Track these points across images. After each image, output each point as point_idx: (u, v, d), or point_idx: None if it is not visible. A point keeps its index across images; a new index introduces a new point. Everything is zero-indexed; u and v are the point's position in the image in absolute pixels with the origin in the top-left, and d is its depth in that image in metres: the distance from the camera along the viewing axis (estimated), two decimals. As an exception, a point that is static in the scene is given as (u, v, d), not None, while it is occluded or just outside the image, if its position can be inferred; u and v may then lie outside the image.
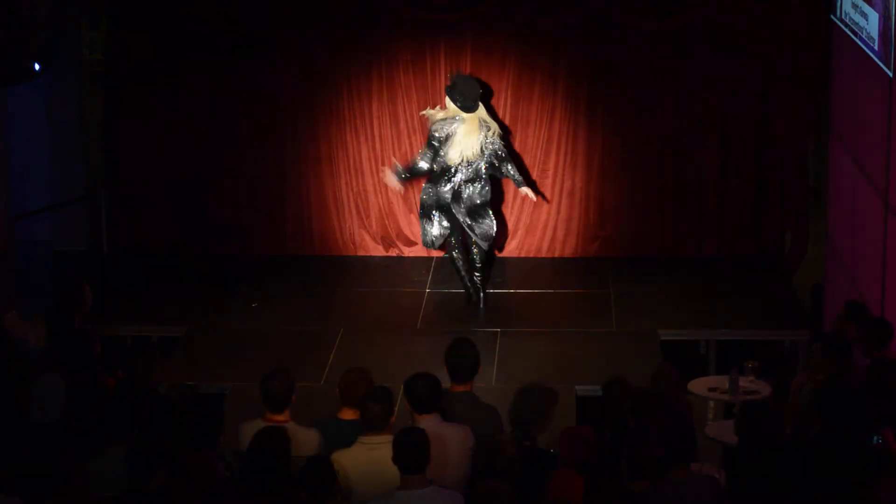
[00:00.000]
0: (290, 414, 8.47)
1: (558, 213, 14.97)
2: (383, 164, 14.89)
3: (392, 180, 13.65)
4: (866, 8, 11.76)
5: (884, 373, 9.31)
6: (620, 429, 8.14)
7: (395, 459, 7.43)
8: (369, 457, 7.96)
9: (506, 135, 14.84)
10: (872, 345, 9.50)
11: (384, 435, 8.00)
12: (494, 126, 13.50)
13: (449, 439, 8.16)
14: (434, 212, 13.43)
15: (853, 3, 12.41)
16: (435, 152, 13.32)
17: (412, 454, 7.41)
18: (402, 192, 14.40)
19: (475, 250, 13.52)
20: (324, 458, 7.38)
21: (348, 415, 8.58)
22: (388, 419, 8.09)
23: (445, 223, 13.47)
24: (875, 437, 7.77)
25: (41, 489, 7.05)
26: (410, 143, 14.85)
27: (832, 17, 13.73)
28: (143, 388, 8.62)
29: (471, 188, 13.37)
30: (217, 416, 8.06)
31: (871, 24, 11.58)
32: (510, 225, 15.01)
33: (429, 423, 8.15)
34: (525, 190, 13.70)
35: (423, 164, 13.42)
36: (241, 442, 8.19)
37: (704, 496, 7.57)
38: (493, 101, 14.78)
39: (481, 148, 13.29)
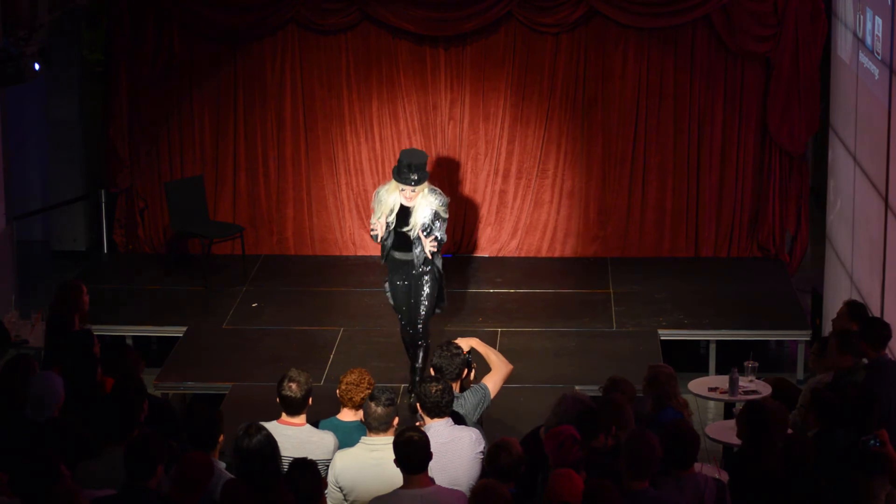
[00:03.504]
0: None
1: (558, 213, 14.97)
2: (383, 164, 14.91)
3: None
4: (866, 8, 11.76)
5: (881, 372, 9.32)
6: (619, 429, 8.13)
7: (397, 461, 7.44)
8: (371, 458, 7.97)
9: (503, 135, 14.89)
10: (871, 345, 9.49)
11: (387, 436, 8.01)
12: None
13: (460, 442, 8.20)
14: None
15: (853, 3, 12.42)
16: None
17: (412, 454, 7.42)
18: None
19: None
20: (310, 460, 7.35)
21: (348, 416, 8.59)
22: (391, 421, 8.10)
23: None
24: (872, 440, 7.76)
25: (38, 489, 7.03)
26: (410, 143, 14.84)
27: (832, 16, 13.74)
28: (141, 388, 8.59)
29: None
30: (217, 416, 8.03)
31: (871, 23, 11.58)
32: (510, 225, 15.01)
33: (440, 426, 8.20)
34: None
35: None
36: None
37: (706, 496, 7.56)
38: (494, 101, 14.79)
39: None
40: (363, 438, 8.11)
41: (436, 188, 11.36)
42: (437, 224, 11.21)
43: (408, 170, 11.10)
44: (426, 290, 11.43)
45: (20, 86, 13.22)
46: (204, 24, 14.62)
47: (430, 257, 11.24)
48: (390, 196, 11.23)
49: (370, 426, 8.08)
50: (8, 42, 12.53)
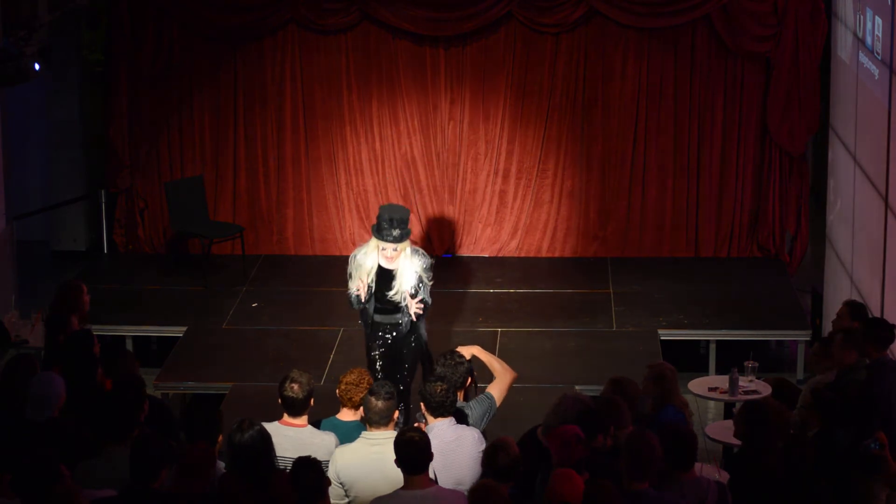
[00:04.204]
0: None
1: (558, 213, 14.97)
2: (383, 164, 14.92)
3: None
4: (866, 8, 11.77)
5: (882, 372, 9.31)
6: (617, 429, 8.13)
7: (398, 461, 7.44)
8: (372, 452, 7.97)
9: (503, 135, 14.90)
10: (874, 345, 9.48)
11: (387, 430, 8.03)
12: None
13: (463, 441, 8.24)
14: None
15: (853, 3, 12.42)
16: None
17: (413, 455, 7.42)
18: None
19: None
20: (314, 458, 7.36)
21: (348, 416, 8.60)
22: (392, 415, 8.11)
23: None
24: (873, 444, 7.75)
25: (38, 489, 7.03)
26: (410, 143, 14.85)
27: (832, 16, 13.74)
28: (142, 388, 8.58)
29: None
30: (217, 415, 8.03)
31: (871, 23, 11.59)
32: (510, 225, 15.01)
33: (443, 426, 8.24)
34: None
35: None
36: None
37: (708, 499, 7.55)
38: (494, 101, 14.79)
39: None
40: (363, 433, 8.13)
41: (418, 248, 10.49)
42: (422, 287, 10.33)
43: (388, 224, 10.13)
44: (407, 362, 10.52)
45: (20, 86, 13.22)
46: (204, 24, 14.63)
47: (415, 320, 10.37)
48: (368, 258, 10.27)
49: (371, 421, 8.09)
50: (8, 42, 12.53)
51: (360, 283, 10.31)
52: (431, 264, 10.46)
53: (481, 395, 8.98)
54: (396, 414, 8.19)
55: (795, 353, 13.07)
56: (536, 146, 14.84)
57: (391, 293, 10.29)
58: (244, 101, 14.92)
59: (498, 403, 8.99)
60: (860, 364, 9.43)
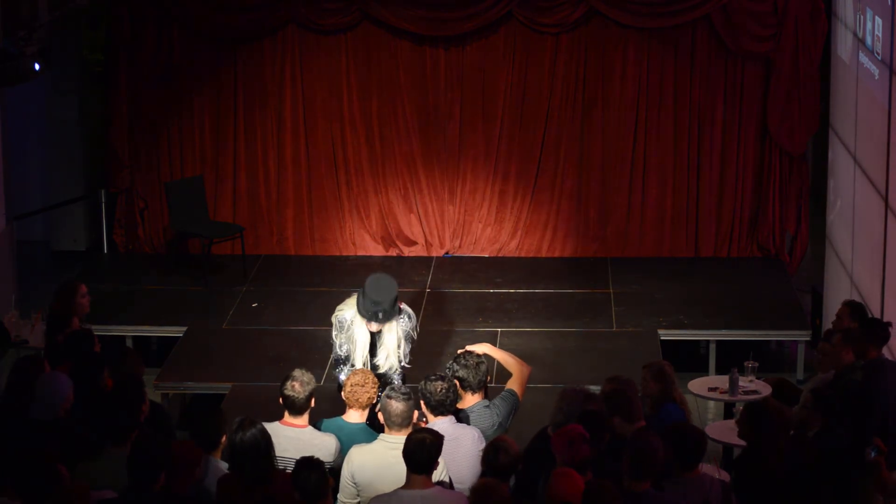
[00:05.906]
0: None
1: (558, 213, 14.97)
2: (383, 164, 14.92)
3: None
4: (866, 8, 11.77)
5: (880, 372, 9.32)
6: (629, 422, 8.14)
7: (405, 456, 7.42)
8: (391, 456, 7.87)
9: (503, 135, 14.90)
10: (871, 345, 9.49)
11: (407, 433, 7.97)
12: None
13: (463, 441, 8.24)
14: None
15: (853, 3, 12.43)
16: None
17: (422, 454, 7.42)
18: None
19: None
20: (317, 459, 7.36)
21: (353, 417, 8.57)
22: (412, 416, 8.10)
23: None
24: (872, 451, 7.74)
25: (40, 489, 7.03)
26: (410, 143, 14.85)
27: (832, 16, 13.75)
28: (141, 389, 8.59)
29: None
30: (220, 416, 8.02)
31: (871, 24, 11.59)
32: (510, 225, 15.01)
33: (444, 424, 8.23)
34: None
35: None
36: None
37: (711, 498, 7.55)
38: (494, 101, 14.78)
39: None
40: (381, 436, 8.10)
41: (403, 307, 9.88)
42: (404, 346, 9.84)
43: (374, 306, 9.61)
44: None
45: (20, 86, 13.21)
46: (204, 24, 14.62)
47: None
48: (359, 330, 9.72)
49: (392, 423, 8.05)
50: (8, 42, 12.53)
51: (354, 358, 9.75)
52: (416, 325, 9.96)
53: (504, 393, 8.97)
54: (416, 415, 8.17)
55: (795, 353, 13.07)
56: (536, 146, 14.84)
57: (376, 360, 9.77)
58: (244, 101, 14.92)
59: (520, 399, 8.99)
60: (857, 365, 9.43)
